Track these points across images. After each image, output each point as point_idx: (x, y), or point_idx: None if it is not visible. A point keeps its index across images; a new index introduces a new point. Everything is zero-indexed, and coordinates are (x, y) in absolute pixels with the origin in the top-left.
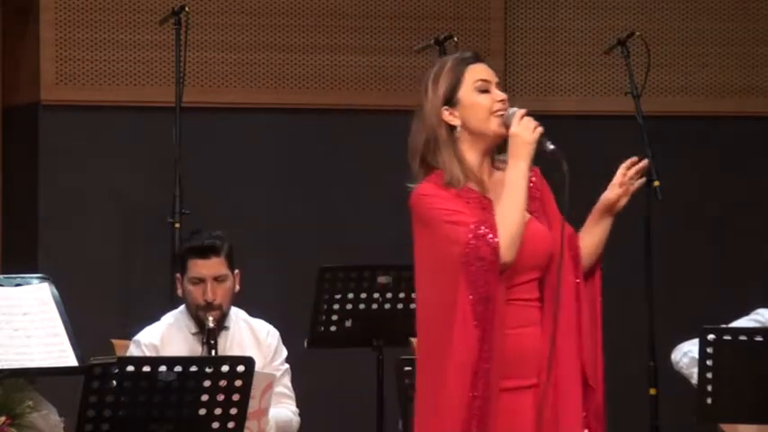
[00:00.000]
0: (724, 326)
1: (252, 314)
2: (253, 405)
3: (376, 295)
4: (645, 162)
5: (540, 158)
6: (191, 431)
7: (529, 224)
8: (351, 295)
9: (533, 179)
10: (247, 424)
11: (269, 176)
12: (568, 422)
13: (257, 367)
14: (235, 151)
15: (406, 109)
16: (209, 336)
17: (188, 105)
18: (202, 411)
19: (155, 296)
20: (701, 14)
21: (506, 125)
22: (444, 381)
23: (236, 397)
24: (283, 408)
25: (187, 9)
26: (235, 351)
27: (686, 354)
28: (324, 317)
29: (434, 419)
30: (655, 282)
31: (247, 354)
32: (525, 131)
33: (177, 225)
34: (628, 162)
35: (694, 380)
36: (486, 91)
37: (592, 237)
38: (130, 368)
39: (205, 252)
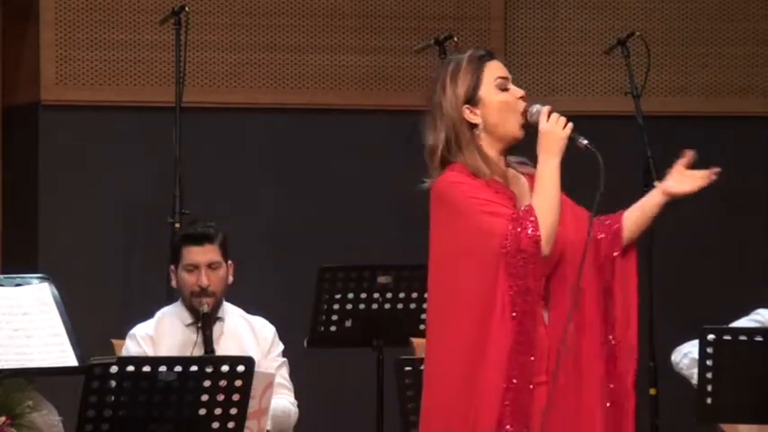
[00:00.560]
0: (724, 326)
1: (252, 314)
2: (253, 405)
3: (376, 295)
4: (715, 170)
5: (568, 153)
6: (191, 431)
7: None
8: (351, 295)
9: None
10: (247, 424)
11: (269, 176)
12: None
13: (255, 358)
14: (235, 151)
15: (406, 109)
16: (203, 321)
17: (188, 105)
18: (202, 411)
19: (155, 296)
20: (701, 14)
21: (529, 122)
22: (480, 371)
23: (236, 397)
24: (282, 398)
25: (187, 9)
26: (230, 342)
27: (686, 355)
28: (324, 317)
29: (468, 409)
30: (655, 282)
31: (244, 345)
32: (556, 128)
33: (177, 225)
34: (686, 161)
35: (694, 380)
36: (505, 89)
37: (643, 213)
38: (130, 368)
39: (199, 239)
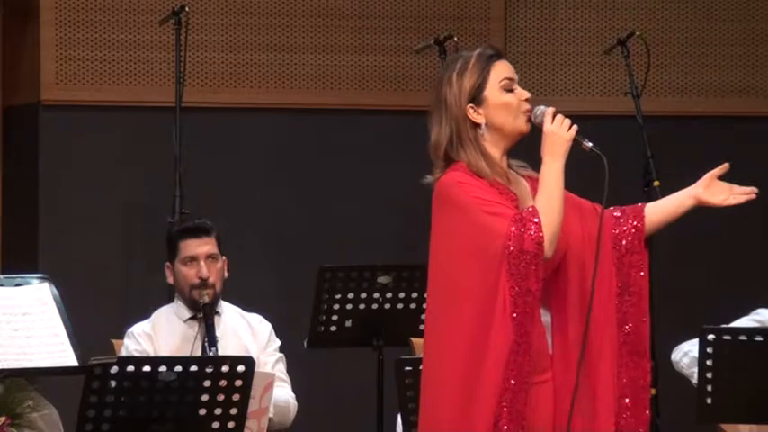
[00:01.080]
0: (724, 326)
1: (251, 313)
2: (253, 405)
3: (376, 295)
4: (755, 190)
5: (572, 155)
6: (191, 431)
7: None
8: (351, 295)
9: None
10: (247, 424)
11: (269, 176)
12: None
13: (252, 353)
14: (235, 151)
15: (406, 109)
16: (205, 312)
17: (188, 105)
18: (202, 411)
19: (155, 296)
20: (700, 14)
21: (533, 123)
22: (480, 371)
23: (236, 397)
24: (281, 389)
25: (187, 9)
26: (229, 337)
27: (686, 353)
28: (324, 317)
29: (466, 409)
30: (655, 282)
31: (242, 340)
32: (561, 130)
33: None
34: (720, 171)
35: (694, 379)
36: (511, 90)
37: (669, 215)
38: (130, 368)
39: (197, 232)
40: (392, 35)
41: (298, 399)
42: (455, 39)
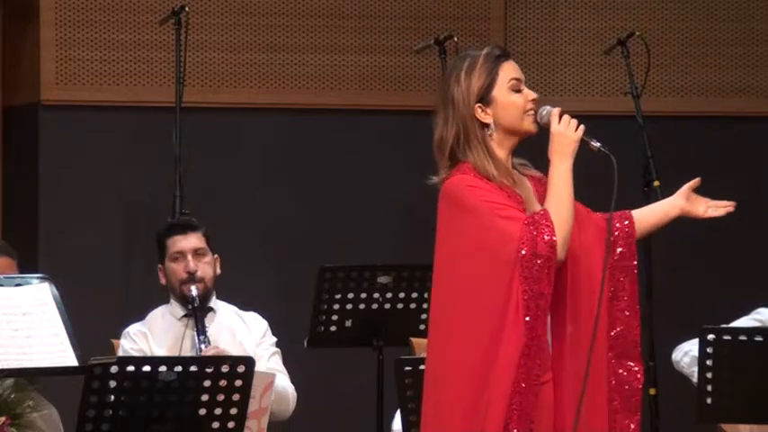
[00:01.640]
0: (724, 326)
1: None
2: (253, 405)
3: (376, 295)
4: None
5: (579, 155)
6: (191, 431)
7: None
8: (351, 295)
9: (539, 188)
10: (247, 424)
11: (269, 176)
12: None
13: (248, 349)
14: (235, 151)
15: (406, 109)
16: (194, 306)
17: (188, 105)
18: (202, 411)
19: (155, 296)
20: (700, 14)
21: (540, 124)
22: (491, 373)
23: (236, 397)
24: (277, 377)
25: (187, 9)
26: (224, 333)
27: (687, 353)
28: (324, 317)
29: (476, 410)
30: (655, 282)
31: (237, 336)
32: (569, 130)
33: None
34: (693, 185)
35: (694, 379)
36: (518, 90)
37: (655, 224)
38: (130, 368)
39: (183, 228)
40: (392, 35)
41: (298, 399)
42: (455, 39)
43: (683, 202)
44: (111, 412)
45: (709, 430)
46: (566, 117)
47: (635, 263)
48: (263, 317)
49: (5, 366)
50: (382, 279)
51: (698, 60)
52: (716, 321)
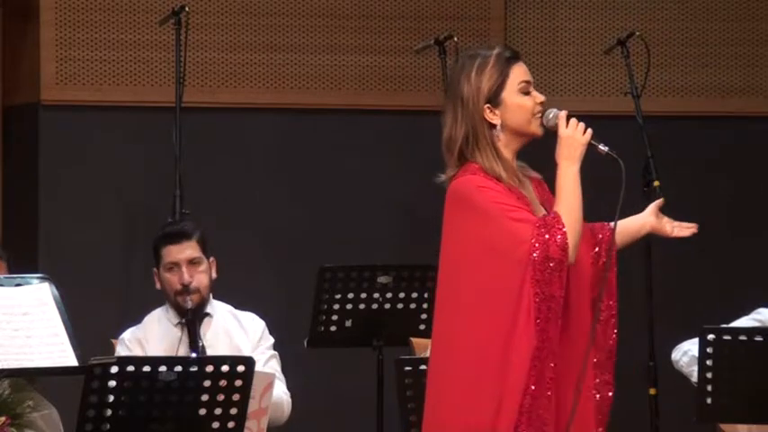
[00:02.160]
0: (724, 326)
1: (251, 313)
2: (253, 405)
3: (376, 295)
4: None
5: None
6: (191, 431)
7: None
8: (351, 295)
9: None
10: (247, 424)
11: (269, 176)
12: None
13: (245, 351)
14: (235, 151)
15: (406, 109)
16: (187, 318)
17: (188, 105)
18: (202, 411)
19: (155, 296)
20: (700, 14)
21: (546, 126)
22: (501, 376)
23: (236, 397)
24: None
25: (187, 9)
26: (220, 338)
27: (686, 353)
28: (324, 317)
29: (485, 413)
30: (655, 282)
31: (234, 339)
32: (576, 133)
33: None
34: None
35: (694, 378)
36: (528, 93)
37: (630, 239)
38: (130, 368)
39: (176, 237)
40: (392, 35)
41: (298, 399)
42: (455, 39)
43: (652, 219)
44: (110, 412)
45: (708, 430)
46: (573, 120)
47: (615, 275)
48: (263, 317)
49: (5, 366)
50: (382, 279)
51: (698, 60)
52: (716, 321)
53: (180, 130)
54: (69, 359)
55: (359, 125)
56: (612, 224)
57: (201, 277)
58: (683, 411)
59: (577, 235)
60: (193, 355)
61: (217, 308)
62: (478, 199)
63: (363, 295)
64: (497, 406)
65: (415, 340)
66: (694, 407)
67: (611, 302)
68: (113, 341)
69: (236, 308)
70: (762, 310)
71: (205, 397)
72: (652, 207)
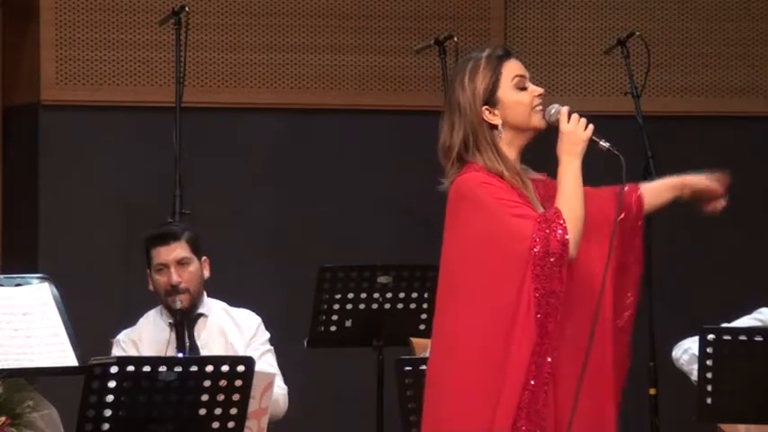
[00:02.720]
0: (724, 325)
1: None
2: (253, 405)
3: (376, 295)
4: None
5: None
6: (191, 431)
7: None
8: (351, 295)
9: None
10: (247, 424)
11: (269, 176)
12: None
13: (239, 351)
14: (235, 151)
15: (406, 109)
16: (176, 319)
17: (188, 105)
18: (202, 411)
19: (154, 296)
20: (701, 14)
21: (548, 122)
22: (501, 371)
23: (236, 397)
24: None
25: (187, 9)
26: (215, 337)
27: (686, 351)
28: (324, 317)
29: (484, 408)
30: (655, 281)
31: (228, 338)
32: (578, 129)
33: None
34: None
35: (694, 376)
36: (523, 87)
37: (658, 199)
38: (130, 368)
39: (164, 238)
40: (392, 35)
41: (298, 398)
42: (455, 39)
43: (706, 184)
44: (110, 412)
45: (708, 430)
46: (575, 116)
47: (640, 224)
48: (263, 317)
49: (5, 366)
50: (382, 279)
51: (698, 60)
52: (716, 321)
53: (180, 130)
54: (69, 359)
55: (359, 125)
56: (639, 185)
57: (191, 277)
58: (683, 411)
59: (578, 230)
60: (180, 355)
61: (212, 307)
62: (481, 195)
63: (363, 295)
64: (496, 401)
65: (415, 340)
66: (694, 407)
67: (630, 303)
68: (113, 341)
69: (231, 305)
70: (763, 309)
71: (205, 397)
72: (689, 183)
